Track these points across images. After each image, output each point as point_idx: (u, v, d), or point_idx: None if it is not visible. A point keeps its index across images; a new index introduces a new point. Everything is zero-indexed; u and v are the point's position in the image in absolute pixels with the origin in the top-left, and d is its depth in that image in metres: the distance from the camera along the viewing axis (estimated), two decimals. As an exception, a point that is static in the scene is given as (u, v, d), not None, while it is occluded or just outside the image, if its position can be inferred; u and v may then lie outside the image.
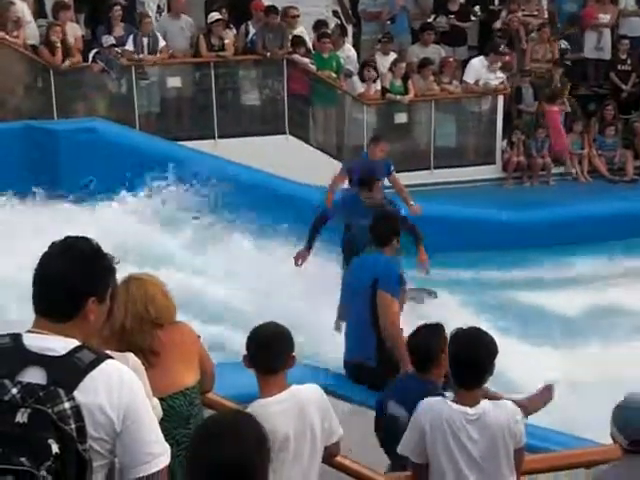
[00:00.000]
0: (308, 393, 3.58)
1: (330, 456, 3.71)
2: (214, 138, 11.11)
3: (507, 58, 12.21)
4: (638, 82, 12.87)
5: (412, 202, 8.73)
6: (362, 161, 9.02)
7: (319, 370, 5.79)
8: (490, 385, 3.77)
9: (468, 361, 3.68)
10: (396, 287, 5.65)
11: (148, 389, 2.90)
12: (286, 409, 3.48)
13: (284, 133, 11.42)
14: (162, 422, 3.02)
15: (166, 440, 2.46)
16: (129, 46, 10.88)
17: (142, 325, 3.47)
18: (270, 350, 3.53)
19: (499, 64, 11.99)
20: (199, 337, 3.67)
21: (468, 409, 3.70)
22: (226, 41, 11.37)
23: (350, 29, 12.97)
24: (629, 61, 12.82)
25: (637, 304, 9.30)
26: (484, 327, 3.95)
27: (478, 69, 12.01)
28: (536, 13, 13.15)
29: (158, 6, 11.90)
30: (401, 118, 11.98)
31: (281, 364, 3.54)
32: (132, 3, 11.73)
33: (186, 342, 3.57)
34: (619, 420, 3.39)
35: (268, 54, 11.38)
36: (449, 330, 3.85)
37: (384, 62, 12.02)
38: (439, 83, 12.05)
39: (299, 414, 3.50)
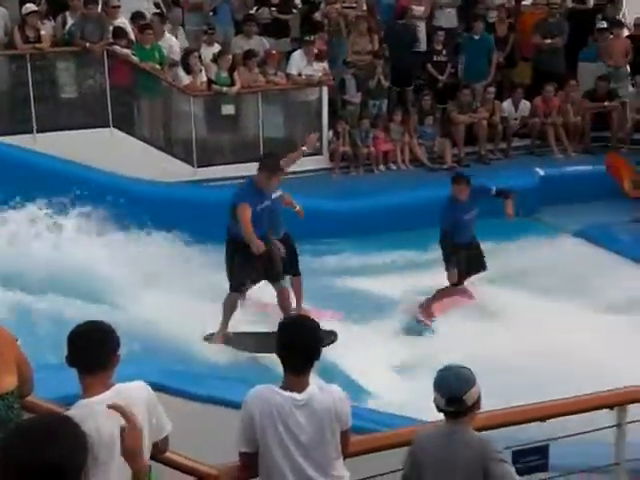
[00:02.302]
0: (134, 390, 3.51)
1: (159, 452, 3.66)
2: (32, 132, 10.71)
3: (318, 47, 12.29)
4: (453, 72, 13.42)
5: (298, 206, 8.76)
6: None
7: (149, 366, 5.71)
8: (315, 371, 3.83)
9: (296, 347, 3.74)
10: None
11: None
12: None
13: (107, 126, 11.15)
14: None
15: None
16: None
17: None
18: (91, 349, 3.43)
19: (319, 54, 12.16)
20: (17, 340, 3.53)
21: (296, 395, 3.76)
22: (42, 32, 10.98)
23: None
24: (444, 52, 13.33)
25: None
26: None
27: (299, 61, 12.15)
28: (355, 5, 13.43)
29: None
30: (228, 110, 11.95)
31: (103, 363, 3.45)
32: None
33: (1, 346, 3.42)
34: (437, 381, 3.65)
35: (87, 45, 11.07)
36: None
37: (208, 53, 11.96)
38: (264, 75, 12.10)
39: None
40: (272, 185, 8.03)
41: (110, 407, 2.87)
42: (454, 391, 3.59)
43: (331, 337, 7.79)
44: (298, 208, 8.75)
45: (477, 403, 3.66)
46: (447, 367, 3.69)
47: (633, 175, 12.07)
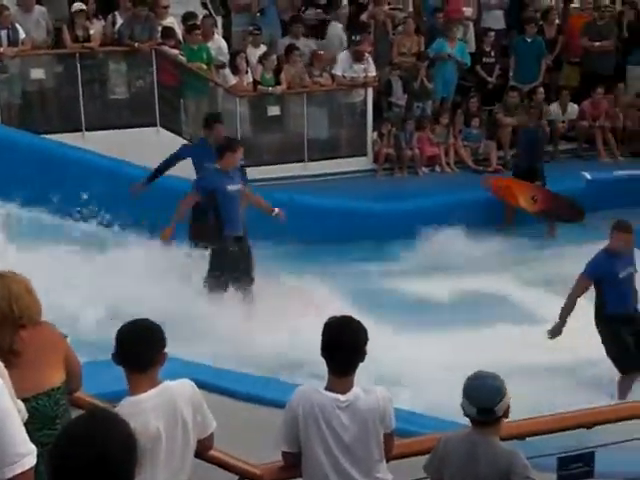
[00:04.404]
0: (179, 388, 3.55)
1: (204, 450, 3.70)
2: (81, 131, 10.86)
3: (365, 49, 12.26)
4: (501, 74, 13.34)
5: (275, 209, 8.59)
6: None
7: (194, 365, 5.75)
8: (360, 373, 3.83)
9: (339, 347, 3.75)
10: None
11: (11, 390, 2.82)
12: (156, 405, 3.44)
13: (155, 125, 11.25)
14: (27, 423, 2.95)
15: (31, 441, 2.40)
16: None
17: (3, 324, 3.35)
18: (139, 347, 3.47)
19: (366, 56, 12.15)
20: (66, 337, 3.58)
21: (340, 396, 3.77)
22: (91, 32, 11.12)
23: (220, 21, 12.87)
24: (492, 53, 13.25)
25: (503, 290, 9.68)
26: (357, 316, 4.03)
27: (345, 62, 12.15)
28: (401, 6, 13.39)
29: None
30: (274, 111, 12.00)
31: (151, 361, 3.49)
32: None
33: (50, 342, 3.48)
34: (468, 389, 3.61)
35: (136, 45, 11.20)
36: (323, 320, 3.89)
37: (255, 54, 12.01)
38: (310, 76, 12.13)
39: (170, 410, 3.47)
40: (232, 164, 8.12)
41: None
42: (486, 402, 3.56)
43: None
44: (277, 211, 8.53)
45: (506, 412, 3.64)
46: (478, 375, 3.65)
47: (529, 191, 11.08)
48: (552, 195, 11.22)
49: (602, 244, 7.55)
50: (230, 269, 8.15)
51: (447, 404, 5.45)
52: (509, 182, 11.42)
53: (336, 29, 12.63)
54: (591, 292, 7.33)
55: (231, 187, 8.15)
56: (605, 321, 7.22)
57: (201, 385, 3.76)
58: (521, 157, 11.62)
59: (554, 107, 13.06)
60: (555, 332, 7.29)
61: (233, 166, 8.23)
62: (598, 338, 7.37)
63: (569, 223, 11.19)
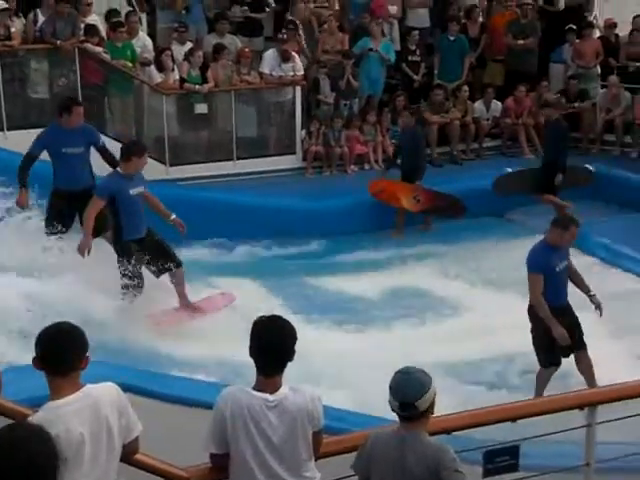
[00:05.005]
0: (103, 391, 3.49)
1: (130, 453, 3.64)
2: (3, 130, 10.62)
3: (291, 47, 12.25)
4: (426, 72, 13.47)
5: (173, 215, 8.38)
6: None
7: (119, 367, 5.68)
8: (289, 370, 3.82)
9: (269, 348, 3.73)
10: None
11: None
12: (79, 409, 3.37)
13: (79, 124, 11.04)
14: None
15: None
16: None
17: None
18: (60, 351, 3.40)
19: (293, 55, 12.15)
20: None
21: (268, 396, 3.75)
22: (12, 30, 10.89)
23: (144, 18, 12.72)
24: (417, 52, 13.38)
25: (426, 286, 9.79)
26: (284, 314, 4.02)
27: (272, 60, 12.14)
28: (327, 4, 13.44)
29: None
30: (201, 109, 11.91)
31: (72, 365, 3.42)
32: None
33: None
34: (392, 384, 3.63)
35: (59, 43, 10.98)
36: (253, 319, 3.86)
37: (180, 51, 11.91)
38: (238, 73, 12.07)
39: (94, 413, 3.40)
40: (137, 169, 8.04)
41: None
42: (407, 396, 3.57)
43: None
44: (173, 217, 8.33)
45: (431, 407, 3.64)
46: (404, 370, 3.66)
47: (410, 191, 11.12)
48: (433, 193, 11.29)
49: (531, 239, 7.70)
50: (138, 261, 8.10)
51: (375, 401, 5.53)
52: (387, 185, 11.43)
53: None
54: (524, 284, 7.32)
55: (133, 191, 8.02)
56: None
57: (126, 388, 3.70)
58: (403, 158, 11.49)
59: (478, 105, 13.26)
60: (560, 335, 7.10)
61: (137, 171, 8.09)
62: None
63: (452, 219, 11.30)
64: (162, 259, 8.17)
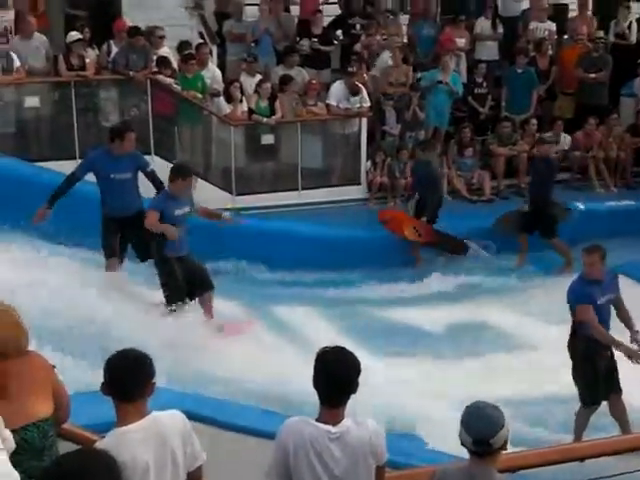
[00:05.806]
0: (169, 419, 3.52)
1: (194, 481, 3.65)
2: (75, 158, 10.88)
3: (359, 79, 12.29)
4: (493, 105, 13.41)
5: (225, 213, 8.83)
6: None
7: (185, 395, 5.71)
8: (352, 405, 3.79)
9: (334, 380, 3.71)
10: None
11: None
12: (145, 437, 3.40)
13: (149, 154, 11.26)
14: (14, 454, 2.92)
15: (18, 472, 2.39)
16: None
17: None
18: (127, 377, 3.44)
19: (360, 87, 12.21)
20: (53, 367, 3.55)
21: (331, 427, 3.73)
22: (87, 60, 11.18)
23: (215, 50, 12.94)
24: (485, 84, 13.34)
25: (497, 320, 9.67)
26: (348, 345, 4.00)
27: (339, 92, 12.21)
28: (396, 37, 13.49)
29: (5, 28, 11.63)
30: (268, 139, 12.04)
31: (139, 391, 3.46)
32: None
33: (37, 372, 3.44)
34: (465, 419, 3.54)
35: (131, 73, 11.24)
36: (316, 350, 3.86)
37: (250, 83, 12.07)
38: (304, 105, 12.18)
39: (159, 441, 3.43)
40: (182, 191, 8.22)
41: None
42: (482, 433, 3.48)
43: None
44: (225, 215, 8.76)
45: (504, 445, 3.56)
46: (476, 405, 3.57)
47: (412, 222, 11.17)
48: (433, 231, 11.29)
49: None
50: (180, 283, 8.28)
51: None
52: (394, 215, 11.56)
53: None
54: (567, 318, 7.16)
55: (178, 211, 8.25)
56: (583, 347, 7.06)
57: (190, 416, 3.72)
58: (418, 191, 11.49)
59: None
60: (632, 353, 6.97)
61: (183, 193, 8.30)
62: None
63: (454, 255, 11.32)
64: (198, 281, 8.40)
